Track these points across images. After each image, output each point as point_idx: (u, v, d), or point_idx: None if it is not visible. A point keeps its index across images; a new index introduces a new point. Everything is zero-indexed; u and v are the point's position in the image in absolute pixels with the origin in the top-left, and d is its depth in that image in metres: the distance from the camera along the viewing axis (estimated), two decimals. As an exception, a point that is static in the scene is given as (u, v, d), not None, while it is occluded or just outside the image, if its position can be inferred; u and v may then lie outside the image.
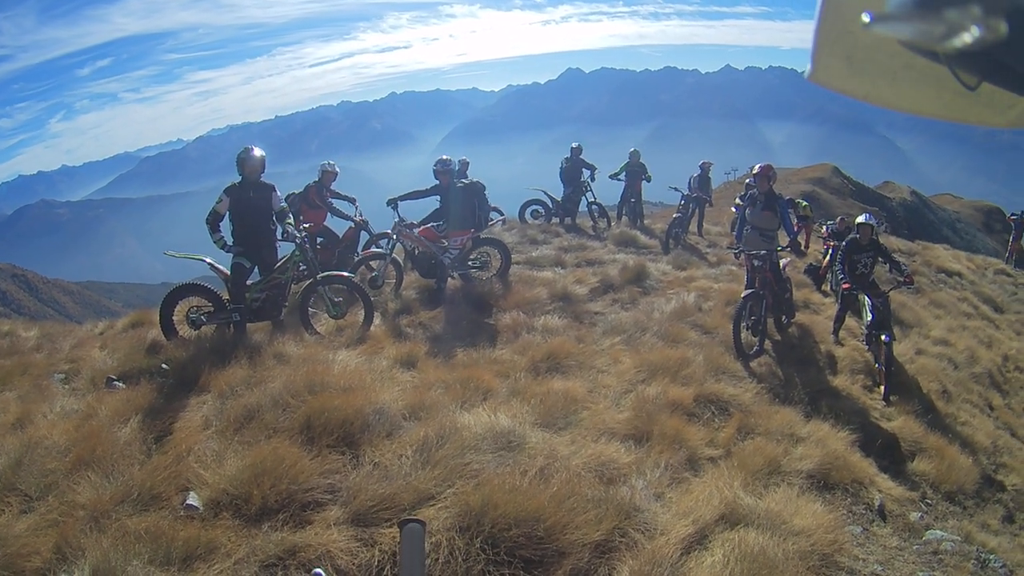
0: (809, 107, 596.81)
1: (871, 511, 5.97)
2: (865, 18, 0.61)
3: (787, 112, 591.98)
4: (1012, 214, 24.47)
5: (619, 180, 17.31)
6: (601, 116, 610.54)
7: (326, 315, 8.74)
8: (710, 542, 4.15)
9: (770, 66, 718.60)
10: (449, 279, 10.60)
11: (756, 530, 4.19)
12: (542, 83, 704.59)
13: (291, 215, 8.55)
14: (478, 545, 3.53)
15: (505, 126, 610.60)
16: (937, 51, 0.63)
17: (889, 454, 7.43)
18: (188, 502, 3.88)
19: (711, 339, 8.81)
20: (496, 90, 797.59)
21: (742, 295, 8.79)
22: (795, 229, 11.29)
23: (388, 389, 5.79)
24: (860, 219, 10.04)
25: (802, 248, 15.58)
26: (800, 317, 10.54)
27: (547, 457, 4.73)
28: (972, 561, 5.51)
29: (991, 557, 5.75)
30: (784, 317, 9.89)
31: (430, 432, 4.70)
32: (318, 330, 8.46)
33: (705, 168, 17.31)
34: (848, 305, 10.11)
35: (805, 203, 17.42)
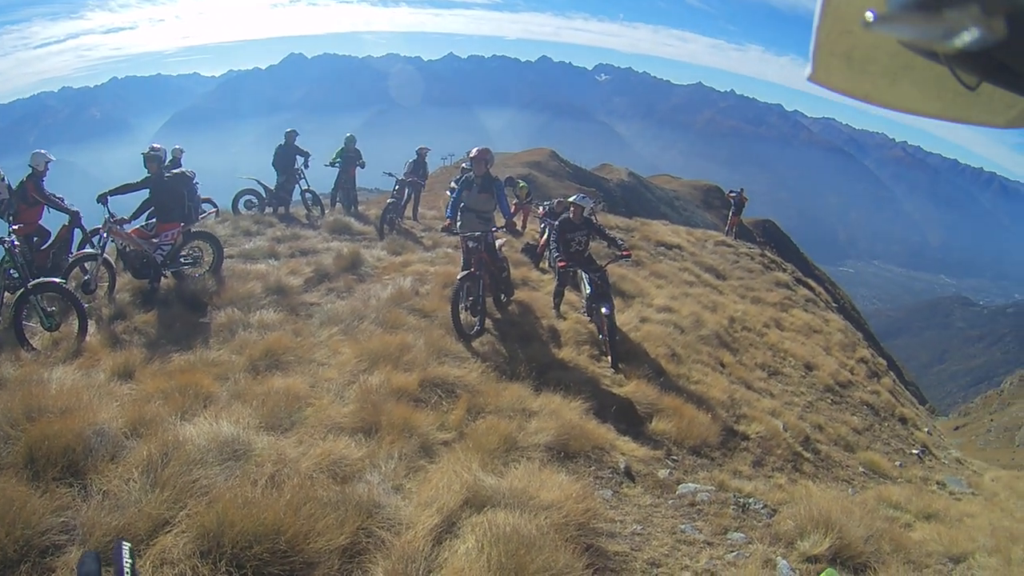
0: (528, 95, 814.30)
1: (618, 474, 8.30)
2: (866, 17, 0.83)
3: (507, 100, 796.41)
4: (731, 191, 36.04)
5: (335, 167, 21.91)
6: (321, 103, 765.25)
7: (40, 327, 9.93)
8: (460, 529, 5.51)
9: (493, 55, 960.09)
10: (163, 278, 12.85)
11: (505, 510, 5.68)
12: (263, 68, 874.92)
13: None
14: (223, 569, 4.52)
15: (223, 113, 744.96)
16: (937, 51, 0.84)
17: (626, 418, 10.33)
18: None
19: (430, 323, 11.51)
20: (217, 75, 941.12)
21: (458, 276, 11.66)
22: (512, 210, 15.76)
23: (107, 406, 6.85)
24: (572, 199, 14.00)
25: (519, 228, 21.36)
26: (520, 295, 14.02)
27: (276, 463, 6.07)
28: (732, 507, 8.01)
29: (750, 500, 8.53)
30: (503, 295, 13.22)
31: (153, 450, 5.77)
32: (35, 345, 9.60)
33: (421, 153, 22.44)
34: (565, 280, 13.87)
35: (523, 184, 23.76)
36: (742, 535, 7.18)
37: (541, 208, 21.42)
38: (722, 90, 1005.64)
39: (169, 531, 4.79)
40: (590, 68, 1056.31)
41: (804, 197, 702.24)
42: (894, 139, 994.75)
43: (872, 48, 0.98)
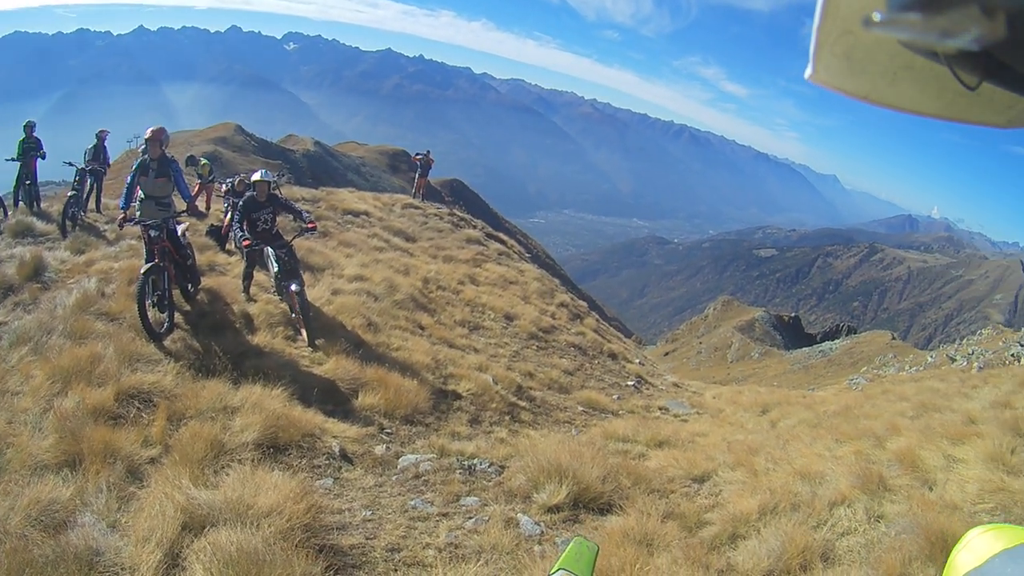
0: (215, 67, 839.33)
1: (334, 459, 8.22)
2: (868, 17, 0.82)
3: (194, 73, 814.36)
4: (417, 154, 36.09)
5: (16, 161, 19.73)
6: (4, 88, 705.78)
7: None
8: (185, 559, 5.23)
9: (183, 26, 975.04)
10: None
11: (226, 527, 5.45)
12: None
13: None
14: None
15: None
16: (937, 51, 0.84)
17: (332, 398, 10.24)
18: None
19: (119, 326, 10.69)
20: None
21: (141, 271, 10.85)
22: (194, 191, 15.26)
23: None
24: (256, 176, 13.49)
25: (204, 210, 20.59)
26: (208, 281, 13.43)
27: (-16, 527, 5.44)
28: (458, 472, 8.28)
29: (475, 461, 8.61)
30: (190, 285, 12.51)
31: None
32: None
33: (100, 137, 20.74)
34: (253, 260, 13.48)
35: (205, 161, 22.70)
36: (475, 499, 7.34)
37: (223, 186, 20.76)
38: (411, 55, 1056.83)
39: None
40: (279, 37, 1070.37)
41: (492, 155, 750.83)
42: (583, 96, 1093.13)
43: (872, 48, 0.97)
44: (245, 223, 12.83)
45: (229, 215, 17.67)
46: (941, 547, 5.47)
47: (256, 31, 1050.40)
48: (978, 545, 1.22)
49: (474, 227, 32.11)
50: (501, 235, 34.93)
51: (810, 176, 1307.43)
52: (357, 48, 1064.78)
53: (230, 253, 16.51)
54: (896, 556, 5.55)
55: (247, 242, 12.56)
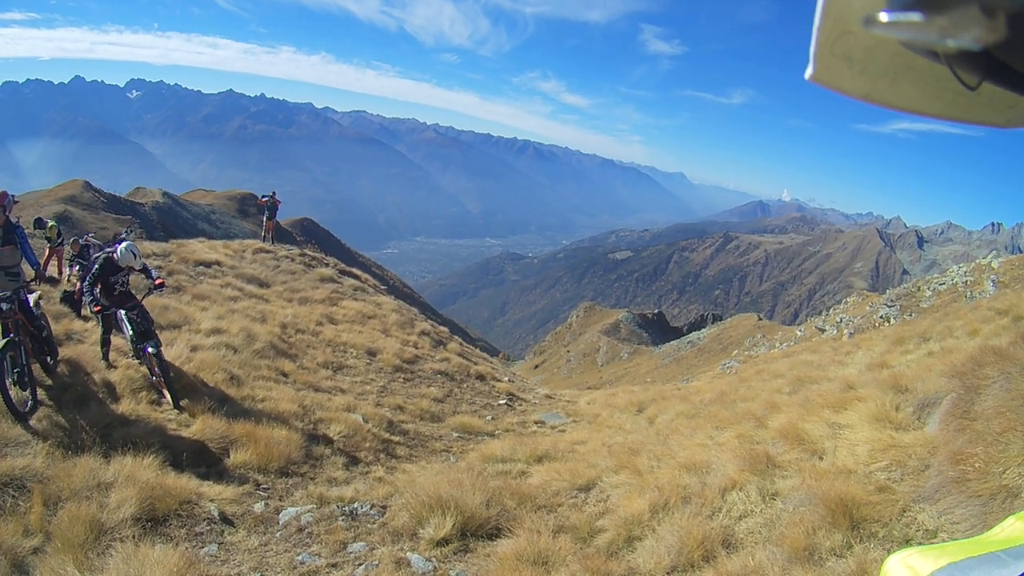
0: (60, 121, 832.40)
1: (215, 524, 8.22)
2: (868, 17, 0.84)
3: (40, 129, 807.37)
4: (263, 196, 35.95)
5: None
6: None
7: None
8: None
9: (28, 79, 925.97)
10: None
11: None
12: None
13: None
14: None
15: None
16: (937, 51, 0.86)
17: (204, 460, 10.16)
18: None
19: None
20: None
21: None
22: (44, 257, 15.21)
23: None
24: (120, 250, 12.87)
25: (56, 275, 19.93)
26: (66, 351, 12.94)
27: None
28: (340, 519, 8.27)
29: (355, 505, 8.61)
30: (49, 358, 12.00)
31: None
32: None
33: None
34: (110, 325, 13.04)
35: (53, 223, 21.39)
36: (362, 544, 7.57)
37: (70, 248, 19.89)
38: (252, 95, 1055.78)
39: None
40: (123, 85, 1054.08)
41: (339, 190, 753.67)
42: (425, 122, 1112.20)
43: (872, 48, 0.98)
44: (99, 287, 12.46)
45: (79, 278, 16.97)
46: (842, 512, 5.62)
47: (100, 80, 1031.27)
48: (917, 561, 1.20)
49: (327, 265, 31.85)
50: (355, 270, 34.65)
51: (657, 176, 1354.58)
52: (199, 91, 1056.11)
53: (86, 319, 15.90)
54: (799, 529, 5.74)
55: (97, 308, 12.21)
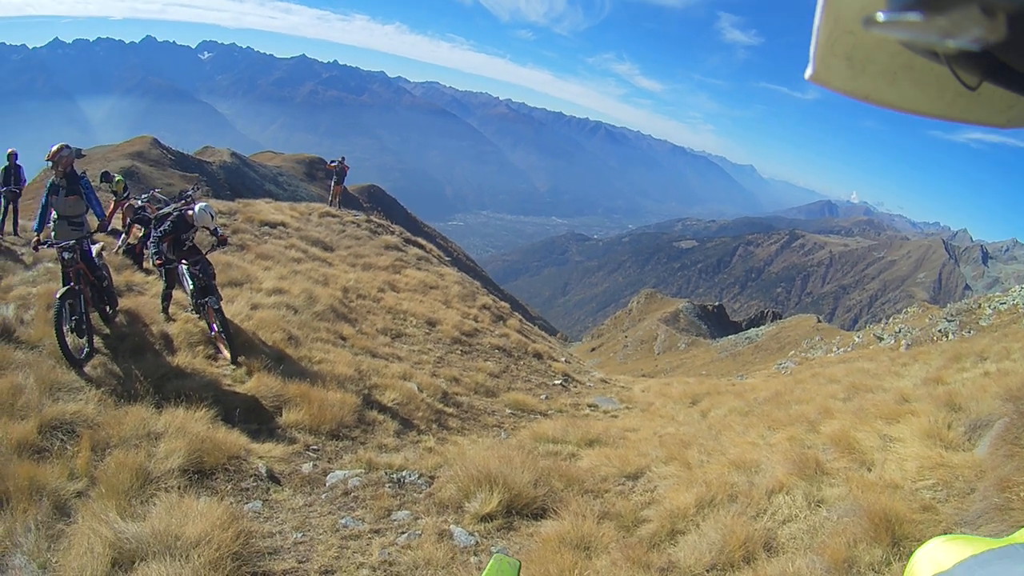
0: (131, 80, 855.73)
1: (261, 480, 8.21)
2: (868, 17, 0.83)
3: (110, 86, 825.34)
4: (332, 161, 35.93)
5: None
6: None
7: None
8: None
9: (98, 38, 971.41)
10: None
11: (156, 561, 5.41)
12: None
13: None
14: None
15: None
16: (937, 51, 0.85)
17: (256, 416, 10.23)
18: None
19: (39, 354, 10.31)
20: None
21: (57, 295, 10.52)
22: (111, 208, 15.33)
23: None
24: (197, 210, 12.97)
25: (121, 228, 19.73)
26: (125, 302, 13.18)
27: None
28: (387, 486, 8.19)
29: (404, 473, 8.57)
30: (108, 307, 12.20)
31: None
32: None
33: (12, 157, 20.18)
34: (172, 279, 13.22)
35: (119, 177, 21.47)
36: (407, 512, 7.41)
37: (138, 201, 19.68)
38: (325, 61, 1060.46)
39: None
40: (194, 46, 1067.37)
41: (409, 159, 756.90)
42: (498, 97, 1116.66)
43: (872, 48, 0.98)
44: (169, 242, 12.63)
45: (142, 232, 17.19)
46: (885, 527, 5.51)
47: (171, 41, 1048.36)
48: (941, 553, 1.20)
49: (392, 233, 31.87)
50: (420, 240, 34.69)
51: (727, 167, 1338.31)
52: (272, 55, 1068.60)
53: (147, 272, 16.17)
54: (840, 540, 5.58)
55: (160, 261, 12.41)
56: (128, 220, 19.96)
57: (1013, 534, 1.24)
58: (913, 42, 0.87)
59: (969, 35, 0.76)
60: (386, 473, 8.45)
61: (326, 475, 8.44)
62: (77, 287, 10.73)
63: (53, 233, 11.47)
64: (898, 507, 5.75)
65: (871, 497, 6.05)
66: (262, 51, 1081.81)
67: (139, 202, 19.13)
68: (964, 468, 6.43)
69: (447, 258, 35.69)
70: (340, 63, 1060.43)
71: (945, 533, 5.29)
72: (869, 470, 7.13)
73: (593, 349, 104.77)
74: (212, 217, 13.06)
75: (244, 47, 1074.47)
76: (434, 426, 12.48)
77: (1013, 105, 0.97)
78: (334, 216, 30.90)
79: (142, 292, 14.67)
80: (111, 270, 13.09)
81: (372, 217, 34.69)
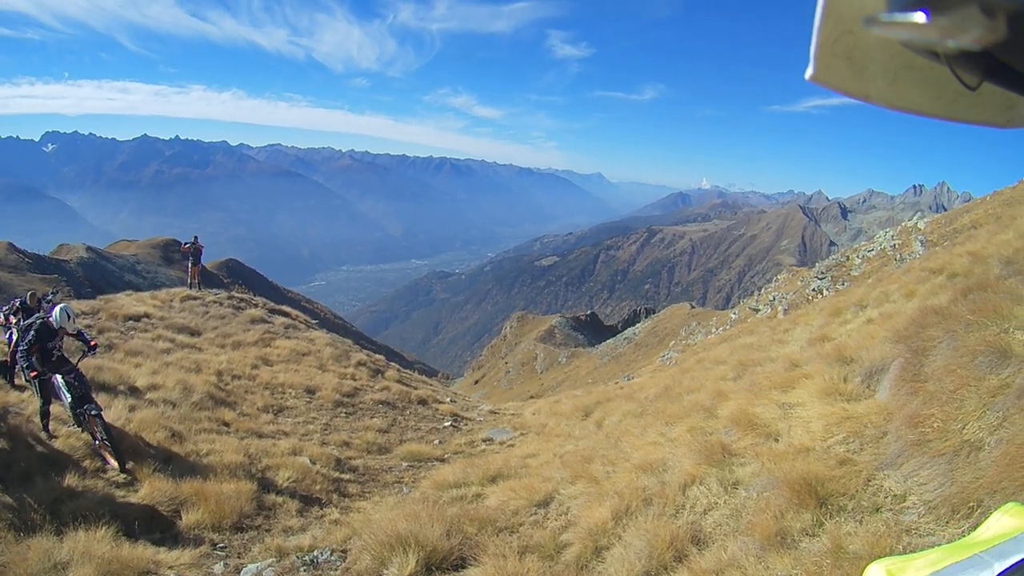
0: None
1: None
2: (869, 17, 0.85)
3: None
4: (185, 243, 35.86)
5: None
6: None
7: None
8: None
9: None
10: None
11: None
12: None
13: None
14: None
15: None
16: (937, 51, 0.87)
17: (156, 525, 9.99)
18: None
19: None
20: None
21: None
22: None
23: None
24: (56, 312, 12.70)
25: None
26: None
27: None
28: (302, 570, 8.31)
29: (315, 554, 8.36)
30: None
31: None
32: None
33: None
34: (48, 393, 12.57)
35: None
36: None
37: (0, 316, 18.74)
38: (167, 137, 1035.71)
39: None
40: (38, 139, 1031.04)
41: (260, 227, 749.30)
42: (340, 150, 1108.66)
43: (872, 48, 0.99)
44: (35, 353, 12.13)
45: (14, 346, 16.03)
46: (808, 491, 5.74)
47: (15, 136, 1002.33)
48: None
49: (256, 306, 31.47)
50: (285, 308, 34.30)
51: (575, 179, 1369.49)
52: (114, 139, 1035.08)
53: (21, 388, 15.18)
54: (766, 515, 5.78)
55: (34, 373, 11.91)
56: None
57: (974, 531, 1.31)
58: (913, 42, 0.90)
59: (969, 35, 0.79)
60: (298, 557, 8.42)
61: (239, 572, 8.37)
62: None
63: None
64: (815, 468, 6.02)
65: (785, 466, 6.32)
66: (104, 136, 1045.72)
67: (3, 313, 18.19)
68: (870, 415, 6.74)
69: (314, 321, 35.33)
70: (182, 138, 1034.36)
71: (869, 481, 5.53)
72: (776, 441, 7.44)
73: (476, 382, 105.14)
74: (70, 317, 12.69)
75: (87, 134, 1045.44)
76: (335, 496, 12.43)
77: (1013, 105, 1.02)
78: (196, 298, 30.27)
79: (20, 412, 13.80)
80: None
81: (233, 293, 34.19)
